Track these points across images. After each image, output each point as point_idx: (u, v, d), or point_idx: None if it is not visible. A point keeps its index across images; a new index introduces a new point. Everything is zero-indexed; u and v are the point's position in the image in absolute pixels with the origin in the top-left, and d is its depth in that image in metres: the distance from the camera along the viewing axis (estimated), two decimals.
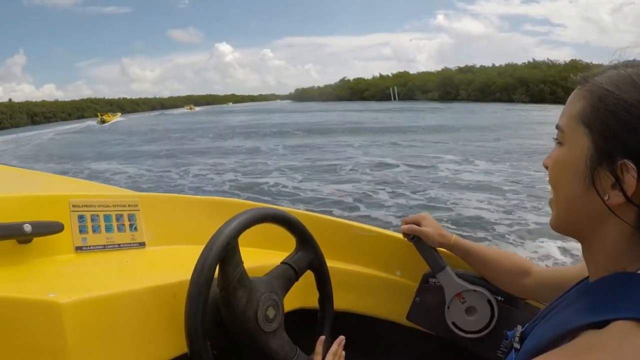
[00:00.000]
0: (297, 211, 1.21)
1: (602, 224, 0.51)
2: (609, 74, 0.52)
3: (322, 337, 0.98)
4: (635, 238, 0.50)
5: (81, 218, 1.10)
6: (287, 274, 0.97)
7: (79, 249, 1.08)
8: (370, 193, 8.37)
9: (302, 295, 1.09)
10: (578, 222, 0.54)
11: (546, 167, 0.58)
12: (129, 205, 1.20)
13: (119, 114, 72.72)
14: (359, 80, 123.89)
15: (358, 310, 1.22)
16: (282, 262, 0.99)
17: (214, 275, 0.80)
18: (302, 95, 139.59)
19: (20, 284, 0.89)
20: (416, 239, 1.09)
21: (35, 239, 0.99)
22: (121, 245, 1.15)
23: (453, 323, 1.08)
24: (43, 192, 1.14)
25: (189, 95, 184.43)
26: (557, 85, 71.00)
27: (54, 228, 1.02)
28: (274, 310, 0.90)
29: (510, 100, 70.51)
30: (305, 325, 1.04)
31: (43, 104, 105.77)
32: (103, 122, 50.47)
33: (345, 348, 0.97)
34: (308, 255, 1.01)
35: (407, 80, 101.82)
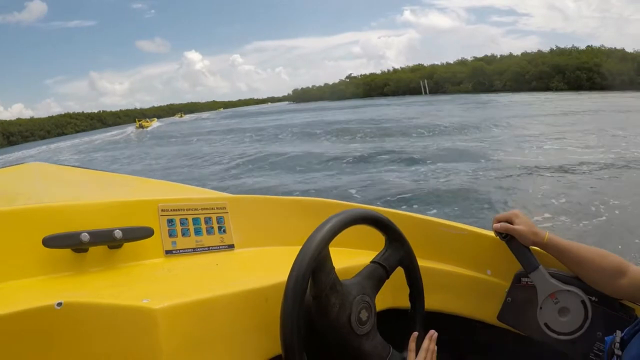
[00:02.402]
0: (385, 209, 1.29)
1: None
2: None
3: (415, 334, 1.04)
4: None
5: (170, 222, 1.20)
6: (378, 273, 1.04)
7: (168, 252, 1.18)
8: None
9: (391, 295, 1.16)
10: None
11: None
12: (217, 208, 1.30)
13: (155, 119, 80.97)
14: (373, 76, 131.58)
15: (448, 310, 1.28)
16: (372, 262, 1.05)
17: (307, 286, 0.86)
18: (303, 96, 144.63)
19: (113, 289, 0.97)
20: (509, 238, 1.14)
21: (126, 244, 1.09)
22: (210, 248, 1.26)
23: (545, 324, 1.12)
24: (132, 197, 1.25)
25: (170, 105, 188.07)
26: (592, 71, 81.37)
27: (144, 233, 1.12)
28: (366, 312, 0.97)
29: (547, 88, 77.05)
30: (396, 324, 1.10)
31: (19, 122, 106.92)
32: (142, 127, 56.89)
33: (438, 348, 1.03)
34: (398, 253, 1.07)
35: (433, 72, 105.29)
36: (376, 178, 10.69)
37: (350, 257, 1.21)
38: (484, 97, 60.77)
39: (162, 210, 1.22)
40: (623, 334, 0.67)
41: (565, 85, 76.07)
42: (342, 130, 23.09)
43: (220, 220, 1.32)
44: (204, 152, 20.35)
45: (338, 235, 0.94)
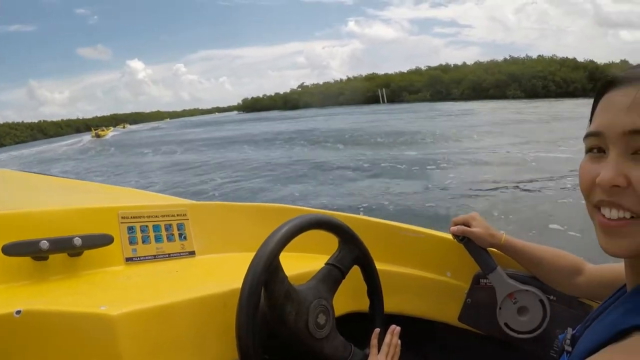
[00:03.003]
0: (341, 214, 1.32)
1: None
2: None
3: (377, 330, 1.08)
4: None
5: (131, 229, 1.22)
6: (333, 275, 1.06)
7: (129, 260, 1.20)
8: None
9: (352, 299, 1.20)
10: None
11: (613, 186, 0.55)
12: (177, 215, 1.32)
13: (111, 128, 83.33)
14: (327, 85, 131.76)
15: (409, 313, 1.31)
16: (326, 264, 1.08)
17: (260, 298, 0.88)
18: (254, 105, 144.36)
19: (72, 297, 0.98)
20: (466, 240, 1.18)
21: (86, 252, 1.10)
22: (171, 255, 1.27)
23: (505, 324, 1.16)
24: (92, 204, 1.25)
25: (114, 114, 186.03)
26: (547, 79, 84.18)
27: (104, 240, 1.13)
28: (324, 316, 1.00)
29: (504, 96, 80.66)
30: (359, 326, 1.13)
31: None
32: (98, 136, 57.73)
33: (400, 350, 1.06)
34: (352, 253, 1.10)
35: (389, 81, 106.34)
36: (339, 186, 10.89)
37: (306, 261, 1.22)
38: (448, 105, 61.22)
39: (123, 218, 1.23)
40: (575, 330, 0.69)
41: (522, 93, 78.18)
42: (307, 138, 23.45)
43: (180, 227, 1.32)
44: (167, 160, 20.10)
45: (293, 240, 0.96)
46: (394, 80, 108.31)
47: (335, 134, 24.27)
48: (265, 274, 0.89)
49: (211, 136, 34.32)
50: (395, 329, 1.08)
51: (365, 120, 36.75)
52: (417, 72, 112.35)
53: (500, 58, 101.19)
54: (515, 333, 1.16)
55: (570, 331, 0.70)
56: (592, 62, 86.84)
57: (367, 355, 1.07)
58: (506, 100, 69.76)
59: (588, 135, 0.59)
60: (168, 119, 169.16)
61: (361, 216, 1.42)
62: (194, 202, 1.48)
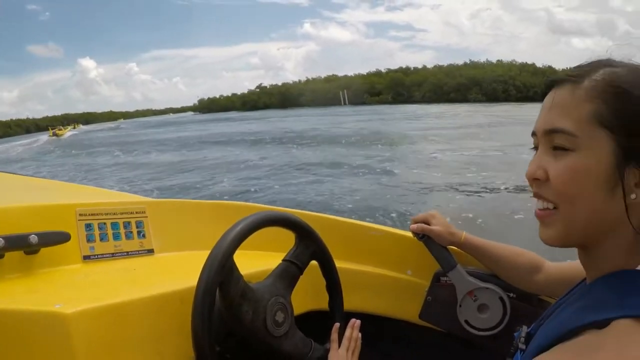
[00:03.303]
0: (299, 211, 1.30)
1: (616, 227, 0.57)
2: (607, 72, 0.58)
3: (337, 325, 1.09)
4: (637, 237, 0.57)
5: (88, 227, 1.20)
6: (291, 271, 1.06)
7: (86, 258, 1.18)
8: None
9: (311, 297, 1.20)
10: (593, 232, 0.58)
11: (534, 179, 0.61)
12: (136, 212, 1.30)
13: (69, 127, 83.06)
14: (287, 86, 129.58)
15: (370, 311, 1.32)
16: (283, 260, 1.07)
17: (214, 298, 0.88)
18: (210, 106, 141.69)
19: (27, 295, 0.97)
20: (426, 238, 1.19)
21: (43, 250, 1.09)
22: (129, 253, 1.25)
23: (466, 321, 1.18)
24: (49, 201, 1.23)
25: (65, 114, 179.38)
26: (507, 84, 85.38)
27: (61, 238, 1.11)
28: (282, 313, 1.00)
29: (465, 100, 79.58)
30: (319, 324, 1.14)
31: None
32: (56, 135, 56.90)
33: (361, 347, 1.08)
34: (309, 248, 1.09)
35: (350, 83, 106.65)
36: (300, 187, 10.93)
37: (262, 259, 1.22)
38: (414, 107, 60.80)
39: (80, 215, 1.22)
40: (530, 328, 0.71)
41: (483, 97, 78.88)
42: (299, 142, 22.70)
43: (139, 224, 1.31)
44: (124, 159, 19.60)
45: (250, 238, 0.96)
46: (355, 82, 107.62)
47: (331, 137, 23.60)
48: (220, 275, 0.89)
49: (180, 136, 33.61)
50: (355, 322, 1.09)
51: (337, 122, 36.52)
52: (377, 74, 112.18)
53: (455, 62, 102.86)
54: (475, 330, 1.17)
55: (525, 329, 0.73)
56: (550, 67, 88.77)
57: (327, 351, 1.07)
58: (468, 104, 69.93)
59: (531, 136, 0.64)
60: (122, 120, 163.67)
61: (320, 214, 1.41)
62: (152, 199, 1.47)
